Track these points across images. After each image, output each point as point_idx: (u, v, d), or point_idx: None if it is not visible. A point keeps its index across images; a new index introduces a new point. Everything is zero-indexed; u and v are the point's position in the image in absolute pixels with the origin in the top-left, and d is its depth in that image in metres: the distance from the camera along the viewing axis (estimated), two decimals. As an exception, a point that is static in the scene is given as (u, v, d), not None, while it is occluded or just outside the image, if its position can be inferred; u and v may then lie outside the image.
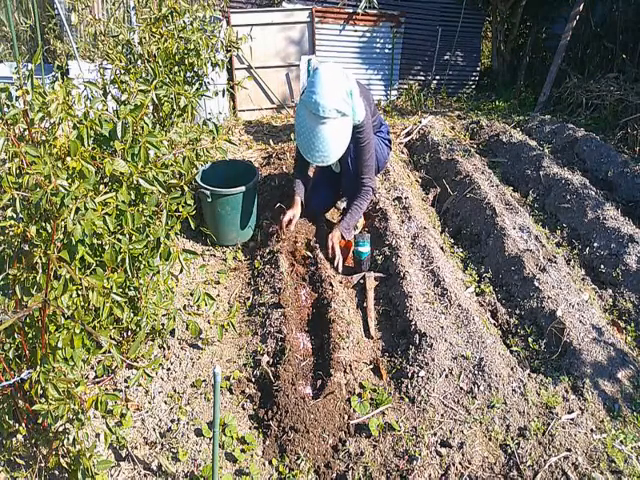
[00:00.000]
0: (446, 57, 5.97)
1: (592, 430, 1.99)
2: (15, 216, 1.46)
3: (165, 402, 2.08)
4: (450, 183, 3.76)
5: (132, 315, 1.96)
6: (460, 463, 1.85)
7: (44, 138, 1.62)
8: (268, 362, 2.23)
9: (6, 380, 1.52)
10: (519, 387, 2.11)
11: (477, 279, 2.90)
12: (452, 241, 3.31)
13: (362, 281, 2.82)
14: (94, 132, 1.66)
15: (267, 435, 1.97)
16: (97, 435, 1.89)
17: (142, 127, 1.72)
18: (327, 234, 2.96)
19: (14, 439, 1.76)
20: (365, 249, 2.83)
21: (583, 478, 1.79)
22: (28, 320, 1.56)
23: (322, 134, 2.63)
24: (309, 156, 2.74)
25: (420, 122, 4.88)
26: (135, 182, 1.64)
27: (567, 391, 2.16)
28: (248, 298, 2.71)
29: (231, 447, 1.90)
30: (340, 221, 3.00)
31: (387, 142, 3.28)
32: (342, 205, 3.49)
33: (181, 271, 1.96)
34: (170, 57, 2.66)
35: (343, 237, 2.94)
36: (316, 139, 2.65)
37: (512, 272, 2.81)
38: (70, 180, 1.45)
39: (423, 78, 6.00)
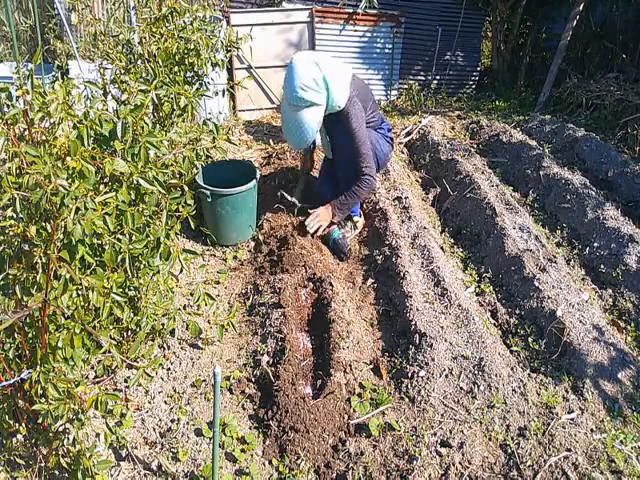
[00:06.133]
0: (446, 57, 5.97)
1: (592, 430, 1.99)
2: (15, 216, 1.46)
3: (165, 402, 2.08)
4: (450, 183, 3.76)
5: (132, 315, 1.96)
6: (460, 463, 1.85)
7: (44, 138, 1.62)
8: (268, 362, 2.23)
9: (6, 380, 1.52)
10: (519, 387, 2.11)
11: (477, 279, 2.90)
12: (452, 241, 3.31)
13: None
14: (94, 132, 1.65)
15: (267, 435, 1.97)
16: (97, 435, 1.89)
17: (142, 127, 1.72)
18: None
19: (14, 439, 1.76)
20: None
21: (583, 478, 1.79)
22: (28, 320, 1.56)
23: (299, 120, 2.75)
24: (291, 143, 2.97)
25: (420, 122, 4.88)
26: (135, 182, 1.64)
27: (567, 391, 2.16)
28: (248, 298, 2.71)
29: (231, 447, 1.90)
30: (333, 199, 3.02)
31: (388, 139, 3.27)
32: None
33: (181, 271, 1.96)
34: (170, 57, 2.66)
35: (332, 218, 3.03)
36: (295, 125, 2.79)
37: (512, 272, 2.81)
38: (70, 180, 1.45)
39: (423, 78, 6.00)
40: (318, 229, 3.00)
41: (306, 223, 2.97)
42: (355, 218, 3.23)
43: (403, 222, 3.25)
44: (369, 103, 3.02)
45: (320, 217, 2.99)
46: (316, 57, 2.75)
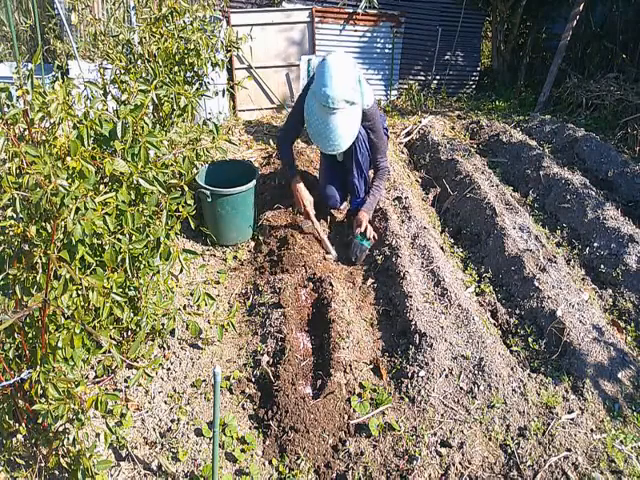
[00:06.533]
0: (446, 57, 5.97)
1: (592, 430, 1.99)
2: (15, 216, 1.46)
3: (165, 402, 2.08)
4: (450, 183, 3.76)
5: (132, 315, 1.96)
6: (460, 463, 1.85)
7: (44, 138, 1.62)
8: (268, 362, 2.23)
9: (6, 380, 1.52)
10: (519, 387, 2.11)
11: (477, 279, 2.90)
12: (452, 241, 3.31)
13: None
14: (94, 132, 1.65)
15: (267, 435, 1.97)
16: (97, 435, 1.89)
17: (142, 127, 1.72)
18: (354, 216, 3.13)
19: (14, 439, 1.76)
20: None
21: (583, 478, 1.79)
22: (28, 320, 1.56)
23: (333, 124, 2.69)
24: (321, 146, 2.84)
25: (420, 122, 4.87)
26: (135, 182, 1.64)
27: (567, 391, 2.16)
28: (248, 298, 2.71)
29: (231, 447, 1.90)
30: (363, 204, 3.12)
31: (385, 131, 3.32)
32: (343, 205, 3.49)
33: (181, 271, 1.96)
34: (170, 57, 2.66)
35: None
36: (328, 130, 2.71)
37: (512, 272, 2.81)
38: (70, 180, 1.45)
39: (423, 78, 6.00)
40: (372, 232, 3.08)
41: (368, 235, 3.00)
42: None
43: (403, 222, 3.25)
44: None
45: (368, 223, 3.05)
46: (350, 57, 2.80)
